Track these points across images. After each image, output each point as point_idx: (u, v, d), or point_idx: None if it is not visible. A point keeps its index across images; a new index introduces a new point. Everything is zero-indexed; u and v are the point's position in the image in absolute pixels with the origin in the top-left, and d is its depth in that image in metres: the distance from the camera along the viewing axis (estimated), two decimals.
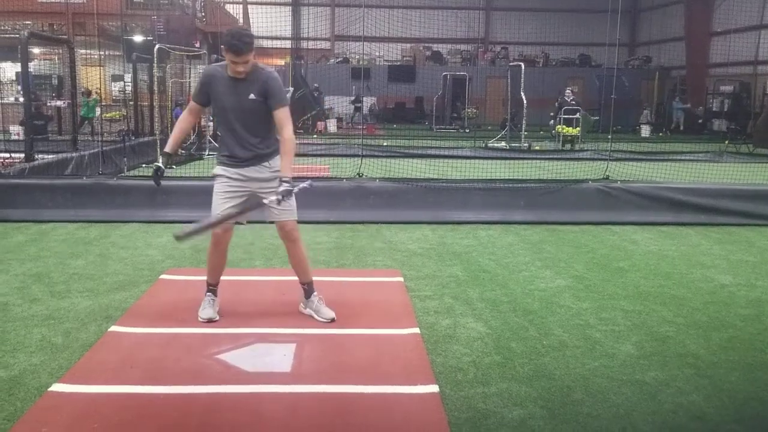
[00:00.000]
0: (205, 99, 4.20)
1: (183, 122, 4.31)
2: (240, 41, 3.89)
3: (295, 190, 4.04)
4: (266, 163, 4.16)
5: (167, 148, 4.25)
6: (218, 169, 4.20)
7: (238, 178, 4.15)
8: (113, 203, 7.59)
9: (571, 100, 18.66)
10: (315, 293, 4.42)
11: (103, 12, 18.41)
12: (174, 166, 11.90)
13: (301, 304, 4.46)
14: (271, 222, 4.33)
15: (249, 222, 4.34)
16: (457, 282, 5.31)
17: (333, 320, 4.29)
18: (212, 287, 4.39)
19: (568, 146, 17.59)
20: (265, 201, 4.05)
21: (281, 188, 3.96)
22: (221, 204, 4.14)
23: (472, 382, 3.46)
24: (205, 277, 4.42)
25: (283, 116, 4.09)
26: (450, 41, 31.29)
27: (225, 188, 4.16)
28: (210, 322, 4.23)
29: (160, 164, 4.20)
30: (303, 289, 4.44)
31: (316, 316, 4.34)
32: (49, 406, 3.12)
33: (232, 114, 4.09)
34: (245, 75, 4.01)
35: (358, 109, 25.21)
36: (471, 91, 25.33)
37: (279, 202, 3.97)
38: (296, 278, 4.47)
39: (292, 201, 4.21)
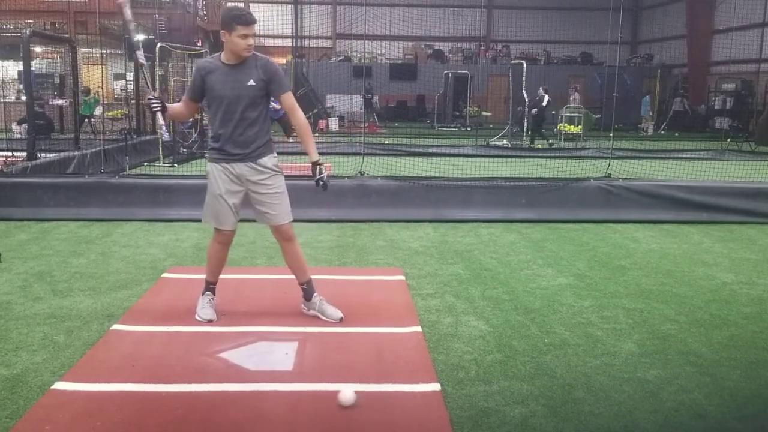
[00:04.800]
0: (199, 94, 4.09)
1: (181, 106, 4.29)
2: (248, 12, 3.95)
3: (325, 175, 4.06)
4: (260, 160, 4.06)
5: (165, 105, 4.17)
6: (211, 167, 4.11)
7: (231, 173, 4.05)
8: (115, 202, 7.59)
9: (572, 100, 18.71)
10: (315, 293, 4.33)
11: (105, 10, 18.40)
12: (176, 165, 11.97)
13: (303, 306, 4.38)
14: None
15: (242, 220, 4.29)
16: (459, 280, 5.31)
17: (341, 320, 4.23)
18: (212, 286, 4.35)
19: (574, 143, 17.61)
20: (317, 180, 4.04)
21: (324, 174, 4.02)
22: (222, 198, 4.05)
23: (473, 380, 3.46)
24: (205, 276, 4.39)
25: (292, 101, 4.08)
26: (451, 39, 31.29)
27: (223, 186, 4.06)
28: (210, 322, 4.19)
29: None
30: (302, 289, 4.32)
31: (322, 317, 4.27)
32: (51, 405, 3.12)
33: (231, 104, 3.97)
34: (243, 60, 3.96)
35: (367, 105, 25.20)
36: (473, 90, 25.34)
37: (324, 187, 4.03)
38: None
39: (286, 201, 4.16)
